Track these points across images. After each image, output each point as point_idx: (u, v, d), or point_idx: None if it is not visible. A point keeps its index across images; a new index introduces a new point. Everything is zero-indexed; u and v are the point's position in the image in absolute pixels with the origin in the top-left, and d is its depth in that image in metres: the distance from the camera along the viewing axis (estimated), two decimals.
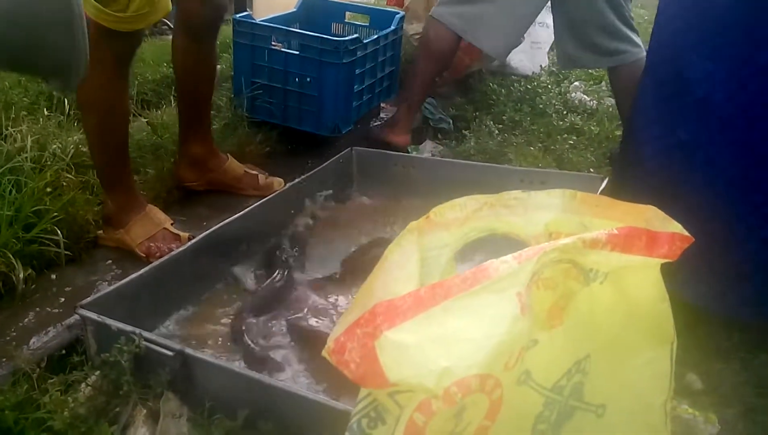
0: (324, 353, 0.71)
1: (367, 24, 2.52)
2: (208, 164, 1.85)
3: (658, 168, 1.38)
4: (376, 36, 2.29)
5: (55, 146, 1.66)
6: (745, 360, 1.34)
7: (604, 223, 0.86)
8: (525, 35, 2.54)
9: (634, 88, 1.99)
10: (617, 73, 2.15)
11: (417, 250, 0.83)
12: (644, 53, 2.09)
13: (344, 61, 2.12)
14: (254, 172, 1.92)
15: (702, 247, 0.83)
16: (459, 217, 0.87)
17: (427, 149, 2.50)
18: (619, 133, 2.39)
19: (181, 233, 1.58)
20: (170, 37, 3.70)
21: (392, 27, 2.36)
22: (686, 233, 0.77)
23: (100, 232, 1.59)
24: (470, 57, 2.80)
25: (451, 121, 2.65)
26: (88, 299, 1.21)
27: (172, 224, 1.61)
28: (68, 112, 1.96)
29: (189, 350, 1.11)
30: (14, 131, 1.68)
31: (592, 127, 2.51)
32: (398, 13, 2.46)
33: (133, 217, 1.56)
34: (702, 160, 1.31)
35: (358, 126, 2.40)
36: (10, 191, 1.46)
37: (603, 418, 0.83)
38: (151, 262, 1.42)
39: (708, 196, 1.31)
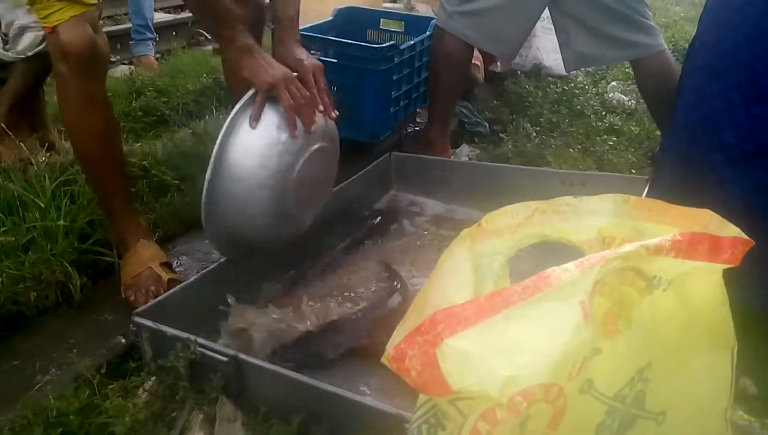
0: (383, 360, 0.72)
1: (402, 30, 2.54)
2: None
3: (732, 177, 1.33)
4: (412, 42, 2.30)
5: None
6: None
7: (659, 227, 0.85)
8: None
9: (662, 82, 1.97)
10: (642, 68, 2.10)
11: (470, 257, 0.84)
12: (664, 45, 2.07)
13: (382, 67, 2.14)
14: None
15: (761, 249, 0.82)
16: (511, 223, 0.88)
17: (464, 153, 2.50)
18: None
19: (163, 275, 1.47)
20: (207, 47, 3.82)
21: (427, 33, 2.37)
22: (746, 237, 0.77)
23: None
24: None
25: (487, 125, 2.64)
26: (144, 307, 1.24)
27: (161, 263, 1.49)
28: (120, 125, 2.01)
29: (243, 356, 1.13)
30: (67, 144, 1.74)
31: (632, 128, 2.49)
32: (432, 18, 2.47)
33: (125, 253, 1.50)
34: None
35: (395, 131, 2.42)
36: (66, 202, 1.51)
37: (663, 426, 0.82)
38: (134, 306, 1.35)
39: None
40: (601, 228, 0.88)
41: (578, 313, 0.69)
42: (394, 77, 2.23)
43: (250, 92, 1.31)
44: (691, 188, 1.36)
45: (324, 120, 1.38)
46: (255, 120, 1.29)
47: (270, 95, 1.30)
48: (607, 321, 0.77)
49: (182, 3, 3.56)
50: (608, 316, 0.76)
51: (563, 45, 2.15)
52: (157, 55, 3.49)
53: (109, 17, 4.05)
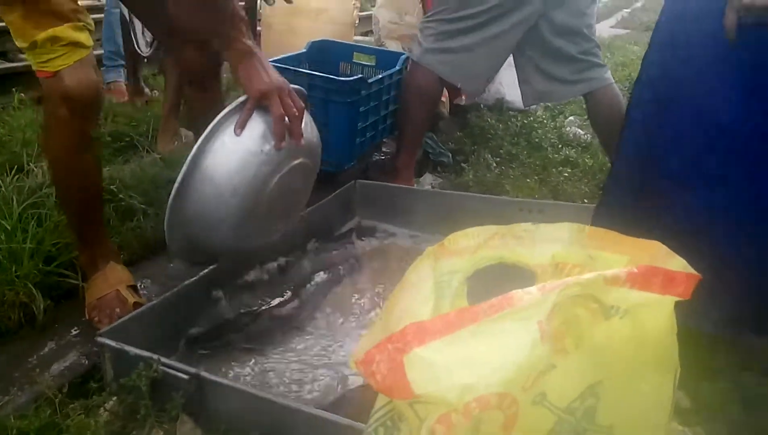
0: (351, 363, 0.76)
1: (374, 64, 2.61)
2: None
3: (679, 202, 1.40)
4: (380, 76, 2.38)
5: None
6: (733, 381, 1.37)
7: (611, 256, 0.92)
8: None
9: (612, 114, 2.10)
10: (593, 101, 2.24)
11: (432, 274, 0.89)
12: (611, 80, 2.22)
13: (348, 100, 2.20)
14: None
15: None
16: (471, 245, 0.93)
17: (427, 182, 2.57)
18: None
19: (129, 298, 1.47)
20: None
21: (397, 67, 2.45)
22: (693, 271, 0.83)
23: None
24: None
25: (450, 155, 2.73)
26: (107, 327, 1.26)
27: (128, 287, 1.49)
28: None
29: (204, 373, 1.15)
30: (35, 167, 1.74)
31: (587, 160, 2.60)
32: (402, 54, 2.56)
33: (92, 275, 1.49)
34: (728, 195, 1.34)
35: (360, 161, 2.48)
36: (33, 225, 1.51)
37: None
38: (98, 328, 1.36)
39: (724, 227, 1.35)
40: (555, 254, 0.94)
41: (536, 332, 0.74)
42: (361, 109, 2.29)
43: (241, 99, 1.29)
44: (641, 214, 1.43)
45: (312, 136, 1.38)
46: (240, 127, 1.27)
47: (261, 104, 1.28)
48: (573, 342, 0.81)
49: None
50: (574, 338, 0.81)
51: (522, 82, 2.29)
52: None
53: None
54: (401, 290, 0.89)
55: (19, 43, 1.31)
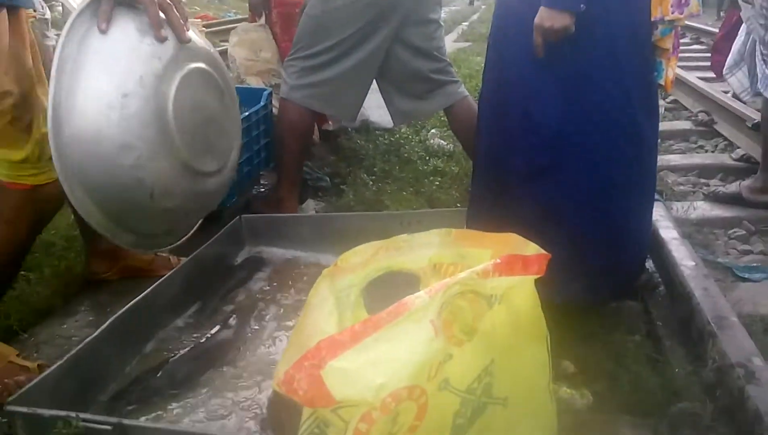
0: (274, 385, 0.85)
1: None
2: (118, 254, 1.89)
3: (520, 193, 1.62)
4: (247, 113, 2.46)
5: None
6: (604, 341, 1.60)
7: (477, 251, 1.08)
8: (378, 91, 2.82)
9: (470, 123, 2.27)
10: (453, 114, 2.48)
11: (331, 292, 1.01)
12: (466, 93, 2.46)
13: None
14: (164, 254, 1.99)
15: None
16: (361, 261, 1.06)
17: (311, 207, 2.68)
18: None
19: (30, 364, 1.46)
20: None
21: (262, 103, 2.55)
22: (544, 252, 1.01)
23: None
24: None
25: (328, 179, 2.86)
26: (16, 395, 1.25)
27: (17, 355, 1.49)
28: None
29: (126, 421, 1.19)
30: None
31: (453, 168, 2.83)
32: (265, 89, 2.66)
33: None
34: (556, 183, 1.58)
35: (241, 196, 2.54)
36: None
37: (507, 408, 1.02)
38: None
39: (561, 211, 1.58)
40: (431, 257, 1.10)
41: (430, 330, 0.88)
42: None
43: None
44: (498, 210, 1.64)
45: (207, 45, 1.21)
46: (105, 20, 1.05)
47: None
48: (452, 333, 0.96)
49: None
50: (451, 329, 0.95)
51: (388, 104, 2.49)
52: None
53: None
54: (306, 311, 1.00)
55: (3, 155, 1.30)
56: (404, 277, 1.07)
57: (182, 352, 1.52)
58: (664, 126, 3.76)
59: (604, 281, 1.68)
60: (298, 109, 2.33)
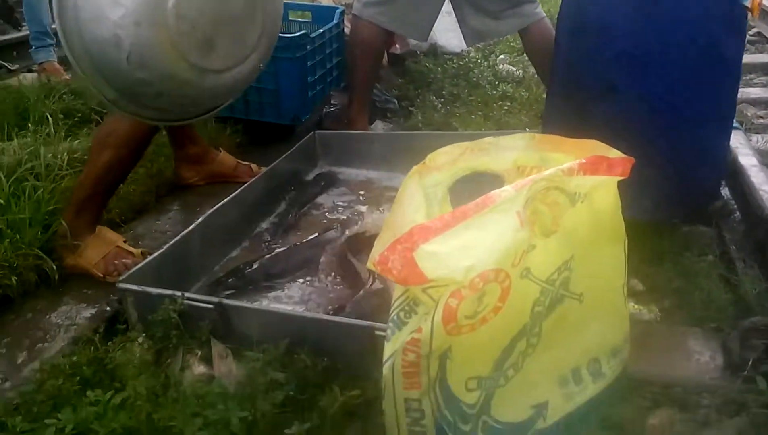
0: (369, 265, 0.93)
1: (310, 20, 2.72)
2: (204, 160, 2.03)
3: (594, 110, 1.64)
4: (321, 30, 2.49)
5: (50, 155, 1.79)
6: (675, 261, 1.62)
7: (559, 156, 1.12)
8: (447, 14, 2.80)
9: (546, 45, 2.27)
10: (528, 36, 2.43)
11: (420, 188, 1.07)
12: (543, 15, 2.40)
13: (297, 55, 2.32)
14: (245, 163, 2.11)
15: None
16: (448, 160, 1.11)
17: (379, 128, 2.73)
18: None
19: (134, 250, 1.60)
20: None
21: (335, 21, 2.58)
22: (627, 157, 1.04)
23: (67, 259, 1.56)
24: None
25: (396, 101, 2.89)
26: (127, 274, 1.38)
27: (124, 242, 1.62)
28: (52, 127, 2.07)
29: (226, 300, 1.30)
30: (8, 145, 1.81)
31: (522, 93, 2.82)
32: (337, 8, 2.68)
33: (85, 241, 1.56)
34: (630, 100, 1.59)
35: (314, 114, 2.61)
36: (23, 198, 1.59)
37: (582, 304, 1.08)
38: (109, 281, 1.48)
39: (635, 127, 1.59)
40: (515, 159, 1.14)
41: (516, 220, 0.93)
42: (309, 63, 2.41)
43: None
44: (574, 123, 1.65)
45: None
46: None
47: None
48: (548, 226, 1.00)
49: None
50: (549, 223, 1.00)
51: (461, 22, 2.46)
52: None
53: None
54: (397, 205, 1.06)
55: None
56: (489, 178, 1.12)
57: (277, 250, 1.65)
58: (746, 58, 3.59)
59: (675, 201, 1.68)
60: (369, 27, 2.35)
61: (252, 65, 1.38)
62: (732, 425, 1.11)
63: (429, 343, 0.87)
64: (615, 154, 1.07)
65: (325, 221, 1.89)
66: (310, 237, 1.73)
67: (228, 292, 1.48)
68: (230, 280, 1.51)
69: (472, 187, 1.11)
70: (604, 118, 1.61)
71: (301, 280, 1.56)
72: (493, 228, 0.92)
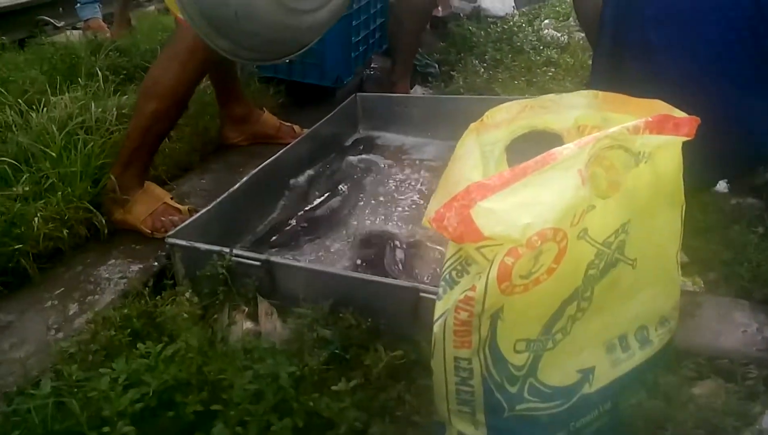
0: (425, 222, 0.92)
1: None
2: (249, 120, 2.04)
3: (637, 71, 1.60)
4: None
5: (99, 110, 1.81)
6: (721, 234, 1.59)
7: (622, 117, 1.08)
8: None
9: (595, 9, 2.24)
10: (581, 1, 2.36)
11: (477, 145, 1.05)
12: None
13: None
14: (288, 124, 2.12)
15: None
16: (506, 118, 1.09)
17: (419, 93, 2.70)
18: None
19: (181, 207, 1.63)
20: (150, 7, 3.83)
21: None
22: (693, 117, 1.00)
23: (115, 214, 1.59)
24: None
25: (437, 66, 2.85)
26: (176, 229, 1.41)
27: (171, 199, 1.65)
28: (101, 82, 2.10)
29: (273, 258, 1.32)
30: (60, 99, 1.84)
31: (567, 59, 2.75)
32: None
33: (133, 196, 1.59)
34: (672, 60, 1.55)
35: (356, 75, 2.59)
36: (74, 152, 1.62)
37: (636, 269, 1.06)
38: (157, 237, 1.52)
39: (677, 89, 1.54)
40: (576, 118, 1.11)
41: (577, 178, 0.90)
42: (353, 23, 2.39)
43: None
44: (618, 84, 1.61)
45: None
46: None
47: None
48: (609, 186, 0.97)
49: None
50: (610, 183, 0.96)
51: None
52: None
53: None
54: (453, 162, 1.05)
55: None
56: (548, 137, 1.09)
57: (315, 202, 1.68)
58: None
59: (715, 166, 1.65)
60: None
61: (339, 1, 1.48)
62: None
63: (483, 302, 0.87)
64: (679, 113, 1.03)
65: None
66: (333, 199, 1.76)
67: (273, 250, 1.50)
68: (273, 237, 1.54)
69: (529, 146, 1.08)
70: (646, 79, 1.56)
71: (339, 239, 1.58)
72: (554, 186, 0.89)
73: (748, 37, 1.49)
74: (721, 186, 1.82)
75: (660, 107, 1.04)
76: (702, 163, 1.57)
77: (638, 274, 1.07)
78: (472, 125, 1.07)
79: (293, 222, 1.60)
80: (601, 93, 1.11)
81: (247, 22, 1.31)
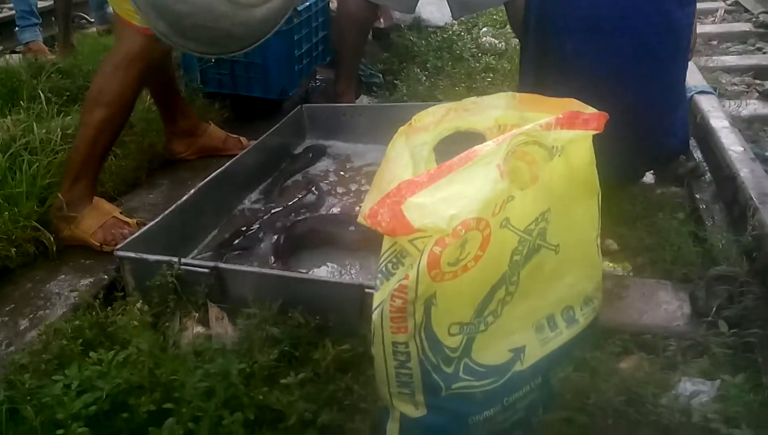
0: (360, 219, 0.99)
1: None
2: (195, 133, 2.08)
3: (557, 75, 1.71)
4: (307, 3, 2.52)
5: (43, 131, 1.83)
6: (647, 222, 1.70)
7: (538, 115, 1.17)
8: None
9: None
10: (512, 9, 2.46)
11: (407, 147, 1.12)
12: None
13: (283, 28, 2.34)
14: (234, 136, 2.17)
15: None
16: (433, 120, 1.17)
17: (365, 102, 2.78)
18: None
19: (129, 220, 1.66)
20: (90, 29, 3.82)
21: None
22: (602, 112, 1.10)
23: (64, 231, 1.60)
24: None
25: (381, 76, 2.93)
26: (124, 242, 1.44)
27: (120, 213, 1.68)
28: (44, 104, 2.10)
29: (222, 264, 1.36)
30: (2, 121, 1.85)
31: (505, 65, 2.86)
32: None
33: (81, 212, 1.61)
34: (587, 66, 1.67)
35: (300, 88, 2.65)
36: (15, 172, 1.64)
37: (558, 254, 1.14)
38: (106, 250, 1.55)
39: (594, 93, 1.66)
40: (497, 118, 1.19)
41: (496, 172, 0.98)
42: (296, 37, 2.45)
43: None
44: (543, 88, 1.72)
45: None
46: None
47: None
48: (526, 178, 1.06)
49: None
50: (515, 174, 1.06)
51: None
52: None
53: None
54: (384, 163, 1.12)
55: None
56: (472, 136, 1.18)
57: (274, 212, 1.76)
58: (722, 28, 3.67)
59: (637, 162, 1.78)
60: (357, 1, 2.39)
61: (281, 1, 1.55)
62: (696, 365, 1.19)
63: (415, 289, 0.94)
64: (590, 110, 1.13)
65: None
66: (292, 201, 1.83)
67: (233, 253, 1.57)
68: (234, 241, 1.61)
69: (455, 146, 1.17)
70: (565, 83, 1.66)
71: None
72: (476, 180, 0.97)
73: (655, 43, 1.62)
74: (648, 177, 1.95)
75: (572, 105, 1.13)
76: (624, 160, 1.70)
77: (561, 258, 1.16)
78: (401, 129, 1.14)
79: (253, 226, 1.68)
80: (519, 94, 1.20)
81: (182, 3, 1.39)
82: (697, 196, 1.80)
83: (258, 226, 1.68)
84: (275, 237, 1.65)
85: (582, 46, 1.64)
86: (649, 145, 1.74)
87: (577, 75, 1.66)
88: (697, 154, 2.01)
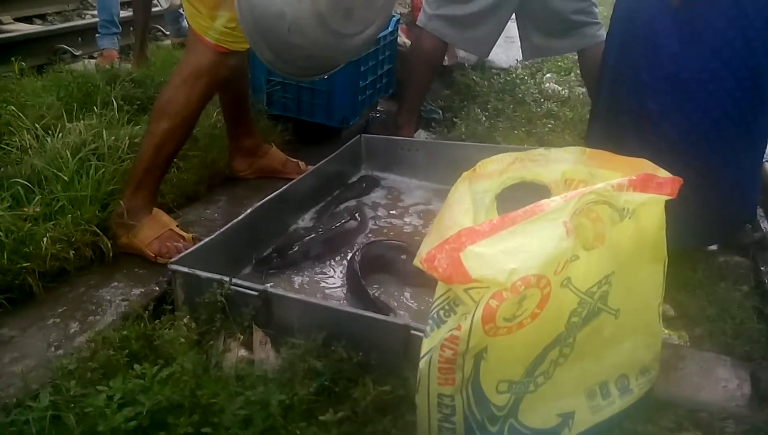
0: (416, 262, 0.98)
1: None
2: (257, 153, 2.12)
3: (633, 134, 1.67)
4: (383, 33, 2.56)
5: (112, 138, 1.88)
6: (708, 291, 1.64)
7: (607, 172, 1.15)
8: None
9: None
10: (585, 56, 2.46)
11: (469, 193, 1.11)
12: (603, 37, 2.36)
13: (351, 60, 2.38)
14: (294, 160, 2.21)
15: None
16: (498, 168, 1.16)
17: (422, 137, 2.79)
18: None
19: (185, 234, 1.68)
20: (166, 42, 3.96)
21: (389, 29, 2.64)
22: (676, 177, 1.06)
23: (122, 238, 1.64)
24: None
25: (441, 112, 2.94)
26: (178, 256, 1.46)
27: (177, 226, 1.71)
28: (116, 111, 2.17)
29: (271, 289, 1.36)
30: (75, 125, 1.91)
31: (567, 112, 2.83)
32: (393, 15, 2.74)
33: (140, 221, 1.64)
34: (668, 126, 1.62)
35: (361, 118, 2.67)
36: (85, 176, 1.69)
37: (618, 319, 1.11)
38: (160, 262, 1.58)
39: (671, 154, 1.61)
40: (564, 171, 1.17)
41: (562, 230, 0.96)
42: (362, 68, 2.48)
43: None
44: (613, 144, 1.68)
45: None
46: None
47: None
48: (594, 239, 1.03)
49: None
50: (582, 234, 1.03)
51: (523, 39, 2.53)
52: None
53: (73, 10, 4.13)
54: (446, 207, 1.11)
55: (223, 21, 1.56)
56: (536, 188, 1.16)
57: (315, 235, 1.75)
58: None
59: (706, 230, 1.71)
60: (432, 40, 2.41)
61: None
62: None
63: (467, 341, 0.91)
64: (664, 173, 1.10)
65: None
66: (333, 225, 1.86)
67: (271, 271, 1.59)
68: (272, 260, 1.63)
69: (518, 196, 1.15)
70: (641, 142, 1.63)
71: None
72: (540, 235, 0.96)
73: (745, 104, 1.57)
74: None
75: (645, 166, 1.10)
76: (694, 225, 1.65)
77: (620, 324, 1.12)
78: (465, 174, 1.14)
79: (295, 246, 1.69)
80: (588, 149, 1.17)
81: (296, 36, 1.44)
82: (762, 268, 1.73)
83: (297, 247, 1.69)
84: (351, 254, 1.68)
85: (667, 106, 1.60)
86: (722, 211, 1.68)
87: (659, 135, 1.62)
88: (764, 224, 1.94)
